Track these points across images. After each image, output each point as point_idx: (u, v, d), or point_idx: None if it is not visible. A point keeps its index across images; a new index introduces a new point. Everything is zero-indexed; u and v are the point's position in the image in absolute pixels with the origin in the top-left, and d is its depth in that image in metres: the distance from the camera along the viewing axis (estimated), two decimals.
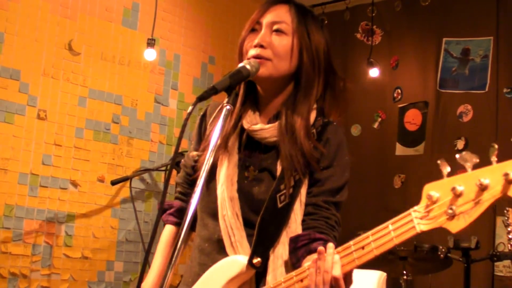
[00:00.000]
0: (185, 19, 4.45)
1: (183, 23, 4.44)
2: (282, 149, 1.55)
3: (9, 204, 3.46)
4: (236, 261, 1.49)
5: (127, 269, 3.96)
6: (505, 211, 3.01)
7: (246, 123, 1.62)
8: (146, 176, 4.10)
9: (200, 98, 1.39)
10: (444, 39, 4.48)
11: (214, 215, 1.59)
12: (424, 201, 1.15)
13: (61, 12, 3.75)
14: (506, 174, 1.05)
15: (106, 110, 3.92)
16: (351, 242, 1.28)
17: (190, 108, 1.35)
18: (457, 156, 1.11)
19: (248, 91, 1.67)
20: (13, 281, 3.44)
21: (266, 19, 1.61)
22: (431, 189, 1.15)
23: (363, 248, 1.25)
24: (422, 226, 1.15)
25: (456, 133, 4.29)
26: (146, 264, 1.34)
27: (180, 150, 3.86)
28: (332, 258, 1.29)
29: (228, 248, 1.53)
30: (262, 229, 1.51)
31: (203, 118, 1.77)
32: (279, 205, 1.51)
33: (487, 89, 4.23)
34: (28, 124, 3.56)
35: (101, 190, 3.86)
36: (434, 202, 1.14)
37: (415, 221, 1.16)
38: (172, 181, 3.92)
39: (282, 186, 1.52)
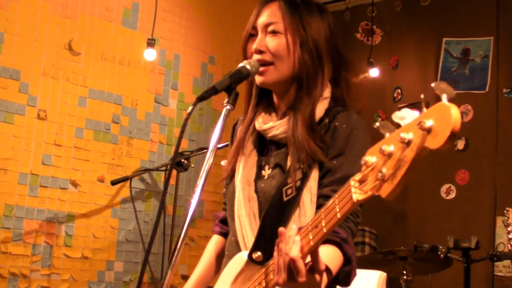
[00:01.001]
0: (185, 19, 4.45)
1: (183, 23, 4.44)
2: (288, 143, 1.55)
3: (9, 204, 3.46)
4: (241, 257, 1.48)
5: (127, 269, 3.96)
6: (505, 211, 3.01)
7: (257, 124, 1.63)
8: (146, 176, 4.10)
9: (200, 98, 1.39)
10: (444, 39, 4.48)
11: (233, 217, 1.60)
12: (362, 168, 1.08)
13: (61, 12, 3.75)
14: (420, 123, 0.93)
15: (106, 110, 3.92)
16: (309, 222, 1.22)
17: (190, 108, 1.35)
18: (395, 113, 1.01)
19: (262, 94, 1.68)
20: (13, 281, 3.44)
21: (260, 22, 1.60)
22: (368, 154, 1.06)
23: (316, 227, 1.18)
24: (357, 195, 1.08)
25: None
26: (146, 264, 1.34)
27: (180, 150, 3.86)
28: (292, 240, 1.23)
29: (242, 249, 1.53)
30: (266, 223, 1.50)
31: (234, 128, 1.80)
32: (285, 199, 1.50)
33: (487, 89, 4.23)
34: (28, 124, 3.56)
35: (101, 190, 3.86)
36: (368, 167, 1.06)
37: (352, 190, 1.09)
38: (172, 181, 3.92)
39: (289, 180, 1.51)
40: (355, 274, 1.43)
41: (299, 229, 1.26)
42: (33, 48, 3.61)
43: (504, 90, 4.16)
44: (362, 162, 1.07)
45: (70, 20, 3.79)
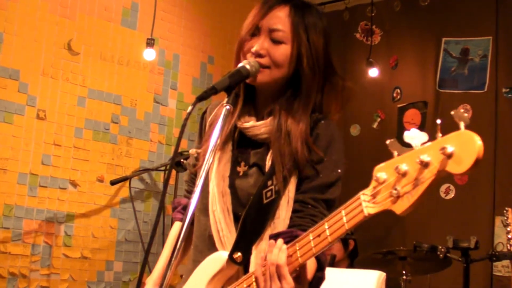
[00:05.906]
0: (184, 19, 4.45)
1: (182, 23, 4.44)
2: (272, 146, 1.55)
3: (8, 204, 3.45)
4: (219, 257, 1.50)
5: (127, 269, 3.96)
6: (504, 211, 3.01)
7: (239, 121, 1.62)
8: (145, 176, 4.10)
9: (200, 98, 1.39)
10: (443, 39, 4.48)
11: (205, 211, 1.59)
12: (372, 184, 1.13)
13: (60, 12, 3.75)
14: (443, 148, 1.01)
15: (105, 110, 3.92)
16: (309, 231, 1.27)
17: (189, 108, 1.35)
18: (405, 134, 1.07)
19: (246, 91, 1.66)
20: (13, 281, 3.44)
21: (265, 25, 1.57)
22: (379, 171, 1.12)
23: (319, 236, 1.24)
24: (369, 209, 1.13)
25: None
26: (145, 264, 1.34)
27: (179, 150, 3.86)
28: (278, 250, 1.30)
29: (217, 244, 1.53)
30: (246, 225, 1.51)
31: (203, 116, 1.78)
32: (265, 201, 1.51)
33: (486, 89, 4.23)
34: (27, 124, 3.56)
35: (100, 190, 3.86)
36: (380, 184, 1.11)
37: (363, 204, 1.14)
38: (171, 181, 3.92)
39: (269, 182, 1.52)
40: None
41: (285, 236, 1.31)
42: (32, 48, 3.61)
43: (503, 90, 4.16)
44: (374, 178, 1.12)
45: (69, 20, 3.79)
